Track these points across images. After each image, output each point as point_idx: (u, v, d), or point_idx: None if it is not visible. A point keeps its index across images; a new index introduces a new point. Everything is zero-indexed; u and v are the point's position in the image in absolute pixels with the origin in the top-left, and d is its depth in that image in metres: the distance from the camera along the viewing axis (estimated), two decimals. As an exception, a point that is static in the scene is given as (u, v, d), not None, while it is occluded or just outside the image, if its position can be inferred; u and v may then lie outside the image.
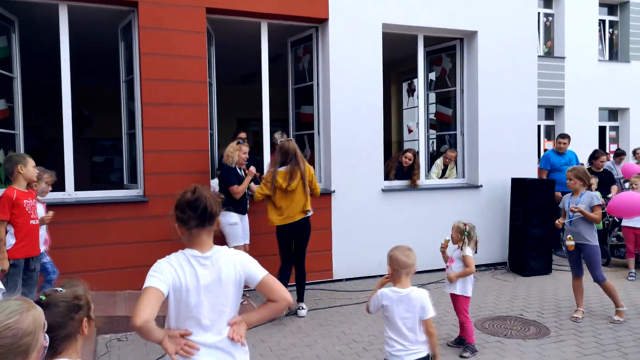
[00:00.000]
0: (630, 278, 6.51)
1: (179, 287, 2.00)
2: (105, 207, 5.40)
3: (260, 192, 5.11)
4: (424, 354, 2.86)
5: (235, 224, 5.34)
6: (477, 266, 6.82)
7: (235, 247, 5.23)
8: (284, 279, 5.02)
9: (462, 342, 4.28)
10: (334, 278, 6.36)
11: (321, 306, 5.50)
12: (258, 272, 2.11)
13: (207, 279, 2.04)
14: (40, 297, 1.66)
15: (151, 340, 1.92)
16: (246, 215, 5.57)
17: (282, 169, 5.05)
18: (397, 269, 2.94)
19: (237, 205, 5.36)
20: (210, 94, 6.20)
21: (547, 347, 4.32)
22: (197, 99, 5.78)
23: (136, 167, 5.79)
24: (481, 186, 7.24)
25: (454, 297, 4.30)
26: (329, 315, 5.21)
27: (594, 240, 4.87)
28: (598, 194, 5.67)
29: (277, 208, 5.08)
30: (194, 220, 2.04)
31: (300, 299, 5.27)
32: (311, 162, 6.84)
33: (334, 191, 6.41)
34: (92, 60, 8.58)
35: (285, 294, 2.07)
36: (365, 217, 6.57)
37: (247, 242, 5.57)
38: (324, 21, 6.45)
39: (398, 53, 8.09)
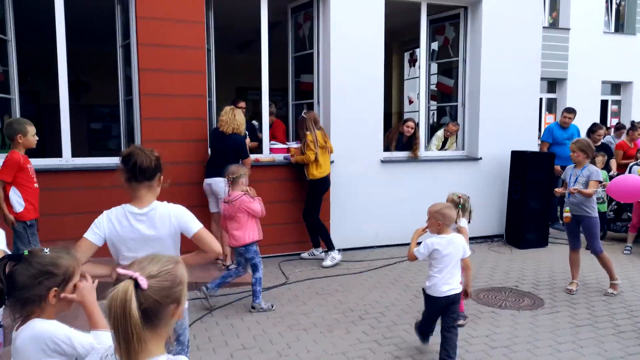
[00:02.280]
0: (625, 252, 6.56)
1: (116, 238, 2.31)
2: (102, 174, 5.38)
3: (311, 154, 5.80)
4: (458, 291, 3.50)
5: None
6: (474, 238, 6.91)
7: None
8: (323, 229, 6.02)
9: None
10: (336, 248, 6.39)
11: (318, 275, 5.54)
12: (193, 225, 2.34)
13: (142, 232, 2.30)
14: (24, 251, 1.70)
15: (96, 275, 2.05)
16: None
17: (318, 132, 5.86)
18: (445, 223, 3.54)
19: None
20: (208, 60, 6.09)
21: (541, 318, 4.38)
22: (195, 66, 5.68)
23: (134, 134, 5.74)
24: (481, 159, 7.21)
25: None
26: (325, 285, 5.26)
27: (593, 212, 4.88)
28: (604, 172, 5.57)
29: (318, 165, 5.85)
30: (126, 174, 2.29)
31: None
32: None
33: (332, 162, 6.38)
34: (88, 25, 8.40)
35: (214, 247, 2.32)
36: (363, 188, 6.56)
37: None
38: (325, -13, 6.29)
39: (400, 22, 7.92)
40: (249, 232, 4.49)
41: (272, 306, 4.58)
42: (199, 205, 5.52)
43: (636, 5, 14.01)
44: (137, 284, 1.27)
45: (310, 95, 6.73)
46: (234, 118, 5.37)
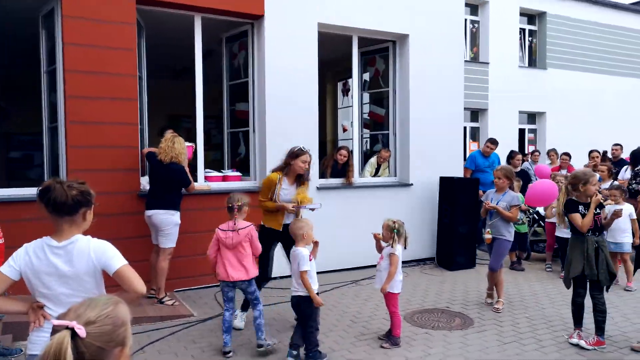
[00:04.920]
0: (547, 269, 7.05)
1: (30, 272, 2.18)
2: (22, 206, 5.06)
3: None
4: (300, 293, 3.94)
5: (179, 225, 5.31)
6: (407, 262, 7.14)
7: (169, 249, 5.18)
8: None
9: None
10: (268, 276, 6.32)
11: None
12: (114, 262, 2.19)
13: (58, 267, 2.17)
14: None
15: (10, 312, 2.06)
16: None
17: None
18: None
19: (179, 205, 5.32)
20: (140, 88, 5.98)
21: (471, 337, 4.57)
22: (126, 93, 5.55)
23: (58, 163, 5.47)
24: (412, 184, 7.51)
25: (384, 293, 4.44)
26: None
27: (508, 236, 5.26)
28: (520, 196, 6.03)
29: None
30: (45, 209, 2.19)
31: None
32: (246, 159, 6.79)
33: (269, 189, 6.39)
34: (8, 49, 8.00)
35: (136, 286, 2.16)
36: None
37: None
38: (259, 17, 6.41)
39: (334, 53, 8.20)
40: (254, 264, 4.27)
41: (277, 341, 4.34)
42: (131, 237, 5.33)
43: (546, 42, 15.35)
44: (75, 333, 1.23)
45: (246, 123, 6.75)
46: (173, 146, 5.26)
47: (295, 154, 4.69)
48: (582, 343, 4.29)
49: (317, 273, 6.57)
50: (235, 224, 4.16)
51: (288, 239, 4.47)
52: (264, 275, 4.85)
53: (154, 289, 5.30)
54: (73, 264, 2.17)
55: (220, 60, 7.21)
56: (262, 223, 4.82)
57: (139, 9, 5.75)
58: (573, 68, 15.84)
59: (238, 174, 6.65)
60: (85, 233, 2.31)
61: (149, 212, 5.25)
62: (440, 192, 7.50)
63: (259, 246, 4.27)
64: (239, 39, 6.84)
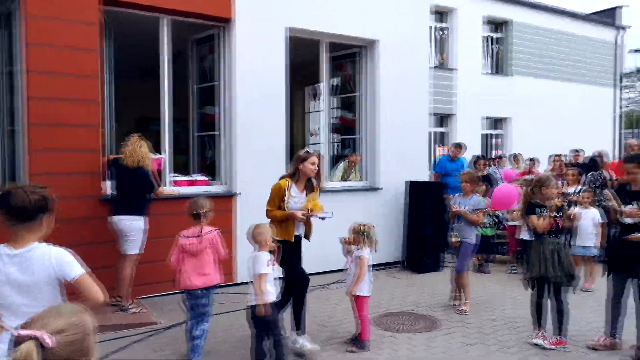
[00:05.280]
0: (513, 271, 7.22)
1: None
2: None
3: None
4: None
5: (146, 230, 5.19)
6: (376, 265, 7.14)
7: (134, 255, 5.07)
8: None
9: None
10: (237, 281, 6.29)
11: (223, 310, 5.41)
12: (73, 270, 2.15)
13: (14, 276, 2.10)
14: None
15: None
16: None
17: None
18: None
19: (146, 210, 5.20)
20: (106, 89, 5.86)
21: (436, 339, 4.64)
22: (89, 95, 5.42)
23: (15, 167, 5.30)
24: (381, 189, 7.58)
25: (353, 296, 4.47)
26: (233, 320, 5.14)
27: (474, 239, 5.38)
28: (484, 199, 6.17)
29: None
30: (3, 215, 2.13)
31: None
32: (214, 163, 6.73)
33: (239, 193, 6.36)
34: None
35: (95, 295, 2.12)
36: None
37: None
38: (228, 21, 6.38)
39: (304, 57, 8.21)
40: (217, 270, 4.11)
41: None
42: (93, 243, 5.21)
43: (511, 50, 15.78)
44: (41, 343, 1.18)
45: (214, 126, 6.69)
46: (139, 150, 5.17)
47: (302, 158, 4.40)
48: (544, 343, 4.41)
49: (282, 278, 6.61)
50: (201, 231, 4.08)
51: (298, 251, 4.42)
52: (305, 280, 4.40)
53: (119, 296, 5.18)
54: (31, 272, 2.11)
55: (189, 62, 7.13)
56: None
57: (106, 10, 5.64)
58: (537, 75, 16.32)
59: (206, 178, 6.59)
60: (44, 240, 2.25)
61: (114, 218, 5.14)
62: (408, 196, 7.60)
63: (223, 251, 4.18)
64: (208, 42, 6.79)
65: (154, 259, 5.63)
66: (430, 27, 13.04)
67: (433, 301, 5.83)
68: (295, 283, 4.33)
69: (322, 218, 4.55)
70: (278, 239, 4.11)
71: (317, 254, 6.89)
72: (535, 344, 4.45)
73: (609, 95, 18.74)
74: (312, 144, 10.80)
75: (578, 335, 4.69)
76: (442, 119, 14.74)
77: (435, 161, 10.62)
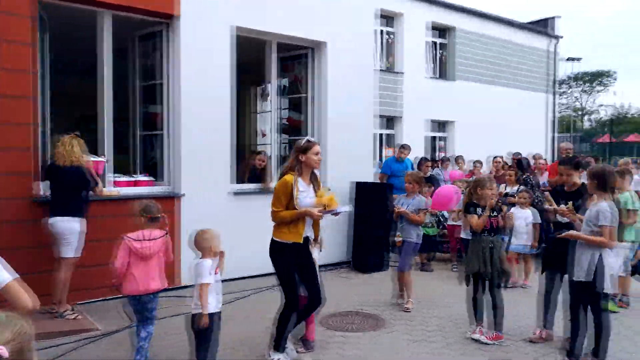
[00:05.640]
0: (454, 269, 7.46)
1: None
2: None
3: None
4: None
5: (83, 233, 4.97)
6: (324, 266, 7.21)
7: (71, 259, 4.84)
8: None
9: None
10: (181, 284, 6.13)
11: (167, 315, 5.26)
12: (1, 276, 2.04)
13: None
14: None
15: None
16: None
17: None
18: None
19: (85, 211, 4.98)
20: (41, 85, 5.57)
21: (382, 338, 4.73)
22: (20, 90, 5.13)
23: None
24: (329, 189, 7.60)
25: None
26: (178, 323, 5.01)
27: (416, 238, 5.54)
28: (424, 200, 6.35)
29: None
30: None
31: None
32: (159, 163, 6.54)
33: (183, 194, 6.21)
34: None
35: (24, 302, 2.02)
36: (214, 220, 6.39)
37: None
38: (174, 18, 6.22)
39: (253, 57, 8.15)
40: (164, 276, 3.95)
41: None
42: (26, 247, 4.95)
43: (455, 56, 16.35)
44: None
45: (159, 126, 6.51)
46: (72, 149, 4.94)
47: (304, 148, 3.95)
48: (483, 338, 4.59)
49: (238, 278, 6.53)
50: (150, 233, 3.93)
51: (307, 255, 4.05)
52: (295, 302, 4.06)
53: (55, 302, 4.93)
54: None
55: (132, 59, 6.91)
56: (274, 238, 4.09)
57: (43, 2, 5.36)
58: (478, 80, 17.00)
59: (150, 178, 6.40)
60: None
61: (50, 220, 4.90)
62: (355, 196, 7.69)
63: (172, 256, 4.07)
64: (152, 39, 6.60)
65: (92, 262, 5.40)
66: (377, 31, 13.31)
67: (379, 300, 5.93)
68: (288, 301, 4.00)
69: (335, 214, 4.15)
70: (287, 241, 3.90)
71: (264, 258, 6.84)
72: (475, 339, 4.62)
73: (545, 101, 19.81)
74: (260, 144, 10.74)
75: (515, 329, 4.91)
76: (389, 121, 15.05)
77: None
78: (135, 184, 6.18)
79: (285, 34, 7.19)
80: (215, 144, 6.49)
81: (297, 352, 4.33)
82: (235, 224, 6.64)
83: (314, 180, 4.07)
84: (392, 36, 15.18)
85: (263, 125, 10.95)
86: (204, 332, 3.63)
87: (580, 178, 4.65)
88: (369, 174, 8.18)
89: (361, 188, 7.64)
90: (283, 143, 8.63)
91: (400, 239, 5.52)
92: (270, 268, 6.79)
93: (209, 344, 3.66)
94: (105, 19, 5.89)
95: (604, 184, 3.99)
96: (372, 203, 7.45)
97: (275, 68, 7.49)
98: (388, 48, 15.21)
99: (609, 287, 3.94)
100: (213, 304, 3.67)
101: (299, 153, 3.97)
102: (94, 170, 5.26)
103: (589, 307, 4.07)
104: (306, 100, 7.90)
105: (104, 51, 5.92)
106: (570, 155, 7.65)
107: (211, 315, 3.63)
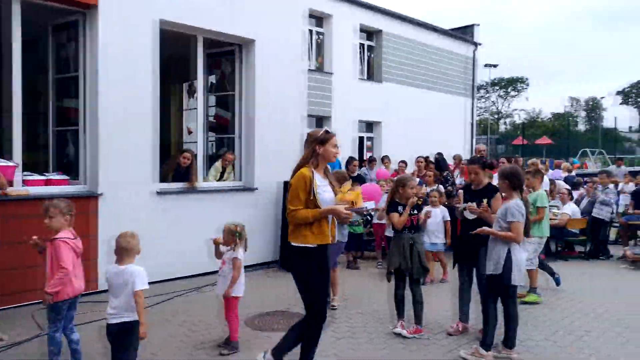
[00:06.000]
0: (379, 266, 7.68)
1: None
2: None
3: None
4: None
5: None
6: (252, 265, 7.18)
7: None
8: None
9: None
10: (100, 289, 5.83)
11: (85, 321, 4.98)
12: None
13: None
14: None
15: None
16: None
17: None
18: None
19: None
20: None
21: (308, 336, 4.75)
22: None
23: None
24: (257, 189, 7.58)
25: (224, 297, 4.41)
26: (95, 331, 4.76)
27: (340, 237, 5.58)
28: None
29: None
30: None
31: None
32: (75, 161, 6.18)
33: (101, 194, 5.91)
34: None
35: None
36: (137, 221, 6.18)
37: None
38: (92, 7, 5.90)
39: (180, 52, 7.92)
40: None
41: None
42: None
43: (382, 58, 16.80)
44: None
45: (75, 121, 6.15)
46: None
47: (321, 139, 3.57)
48: (404, 332, 4.76)
49: (159, 281, 6.31)
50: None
51: (326, 258, 3.63)
52: (324, 313, 3.69)
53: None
54: None
55: (47, 51, 6.47)
56: (294, 244, 3.58)
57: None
58: (405, 83, 17.59)
59: (64, 177, 6.03)
60: None
61: None
62: (284, 195, 7.69)
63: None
64: (68, 29, 6.22)
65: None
66: (307, 31, 13.37)
67: (306, 299, 5.96)
68: (316, 313, 3.58)
69: (363, 212, 3.80)
70: (310, 245, 3.47)
71: (191, 257, 6.69)
72: (397, 333, 4.78)
73: (466, 104, 20.87)
74: (187, 142, 10.45)
75: (433, 323, 5.13)
76: (318, 120, 15.20)
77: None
78: (48, 182, 5.80)
79: (212, 29, 7.05)
80: (137, 141, 6.23)
81: (221, 354, 4.27)
82: (158, 225, 6.43)
83: (328, 175, 3.73)
84: (321, 37, 15.33)
85: (190, 122, 10.67)
86: (122, 341, 3.43)
87: (492, 178, 4.95)
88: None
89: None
90: (210, 141, 8.46)
91: None
92: (195, 269, 6.75)
93: (128, 353, 3.46)
94: (13, 7, 5.48)
95: (514, 183, 4.28)
96: (300, 202, 7.47)
97: (201, 64, 7.33)
98: (318, 48, 15.36)
99: (516, 279, 4.23)
100: (131, 310, 3.49)
101: (316, 144, 3.58)
102: (2, 174, 4.86)
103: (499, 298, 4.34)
104: (234, 98, 7.79)
105: (13, 41, 5.50)
106: (484, 156, 8.14)
107: (133, 323, 3.45)
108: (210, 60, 7.94)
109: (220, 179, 7.74)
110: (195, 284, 6.45)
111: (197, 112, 7.44)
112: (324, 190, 3.54)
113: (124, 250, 3.48)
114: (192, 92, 10.48)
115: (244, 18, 7.34)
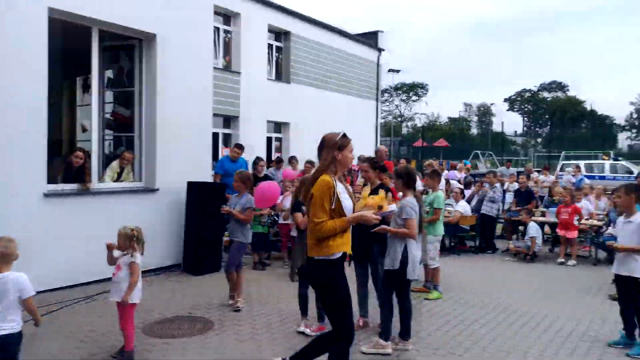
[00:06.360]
0: (285, 266, 7.70)
1: None
2: None
3: None
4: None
5: None
6: (153, 270, 6.88)
7: None
8: None
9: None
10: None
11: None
12: None
13: None
14: None
15: None
16: None
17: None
18: None
19: None
20: None
21: (210, 340, 4.67)
22: None
23: None
24: (158, 189, 7.27)
25: (120, 305, 4.18)
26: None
27: (242, 238, 5.61)
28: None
29: None
30: None
31: None
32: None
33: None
34: None
35: None
36: (22, 226, 5.67)
37: None
38: (-35, -10, 5.32)
39: (72, 44, 7.36)
40: None
41: None
42: None
43: (290, 59, 16.90)
44: None
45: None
46: None
47: (340, 145, 3.44)
48: (307, 330, 4.82)
49: (47, 290, 5.81)
50: None
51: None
52: (352, 331, 3.46)
53: None
54: None
55: None
56: (317, 257, 3.34)
57: None
58: (313, 85, 17.85)
59: None
60: None
61: None
62: (188, 197, 7.47)
63: None
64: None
65: None
66: (213, 28, 13.08)
67: (211, 302, 5.84)
68: (343, 331, 3.36)
69: (389, 215, 3.84)
70: (334, 255, 3.26)
71: (83, 264, 6.24)
72: (300, 332, 4.83)
73: (371, 107, 21.63)
74: (81, 141, 9.77)
75: (337, 320, 5.25)
76: (226, 120, 14.95)
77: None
78: None
79: (109, 21, 6.65)
80: (21, 138, 5.71)
81: (115, 365, 4.04)
82: (47, 229, 5.94)
83: (343, 180, 3.59)
84: (229, 35, 15.09)
85: (85, 119, 9.98)
86: (15, 351, 3.24)
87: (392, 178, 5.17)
88: (208, 173, 8.02)
89: (194, 188, 7.43)
90: (107, 139, 7.97)
91: (227, 238, 5.53)
92: (85, 278, 6.30)
93: None
94: None
95: (407, 182, 4.54)
96: (206, 203, 7.30)
97: (97, 58, 6.89)
98: (226, 47, 15.09)
99: (412, 274, 4.47)
100: (18, 321, 3.28)
101: (333, 150, 3.44)
102: None
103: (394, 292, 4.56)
104: (135, 94, 7.41)
105: None
106: (384, 157, 8.52)
107: (15, 335, 3.21)
108: (108, 54, 7.48)
109: (118, 179, 7.33)
110: (86, 292, 6.04)
111: (92, 108, 6.98)
112: (345, 198, 3.40)
113: (0, 256, 3.24)
114: (87, 87, 9.81)
115: (144, 11, 7.01)
